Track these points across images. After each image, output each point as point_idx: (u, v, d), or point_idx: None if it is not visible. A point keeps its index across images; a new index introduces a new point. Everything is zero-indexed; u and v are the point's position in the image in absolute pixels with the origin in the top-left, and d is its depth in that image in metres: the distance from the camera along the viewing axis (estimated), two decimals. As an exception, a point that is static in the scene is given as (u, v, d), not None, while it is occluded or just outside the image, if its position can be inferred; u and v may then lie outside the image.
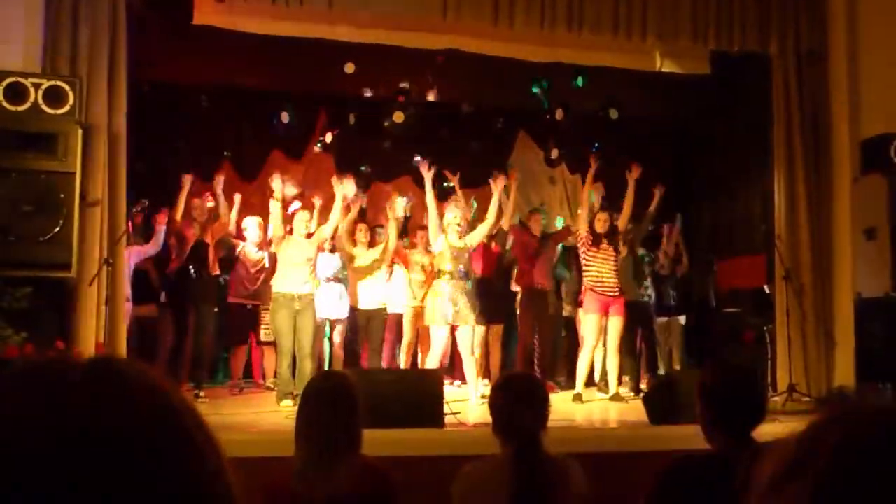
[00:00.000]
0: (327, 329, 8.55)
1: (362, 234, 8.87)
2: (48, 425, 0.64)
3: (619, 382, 8.11)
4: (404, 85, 9.46)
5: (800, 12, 8.08)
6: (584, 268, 7.95)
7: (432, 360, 7.44)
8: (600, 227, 7.91)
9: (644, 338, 9.00)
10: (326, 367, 8.61)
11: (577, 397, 7.73)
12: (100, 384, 0.68)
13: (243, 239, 8.78)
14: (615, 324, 7.80)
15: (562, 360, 9.56)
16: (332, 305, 8.51)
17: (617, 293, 7.81)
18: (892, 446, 0.70)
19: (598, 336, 7.85)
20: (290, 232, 7.65)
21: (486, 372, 8.17)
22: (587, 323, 7.87)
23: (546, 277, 8.64)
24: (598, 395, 8.25)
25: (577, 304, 8.57)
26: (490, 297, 8.33)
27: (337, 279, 8.66)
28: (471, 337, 7.44)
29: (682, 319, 9.74)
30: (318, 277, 7.92)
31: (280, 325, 7.33)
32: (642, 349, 9.01)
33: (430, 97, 9.55)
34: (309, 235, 7.59)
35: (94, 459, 0.63)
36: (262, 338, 8.88)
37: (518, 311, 8.85)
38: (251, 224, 8.79)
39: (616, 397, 7.80)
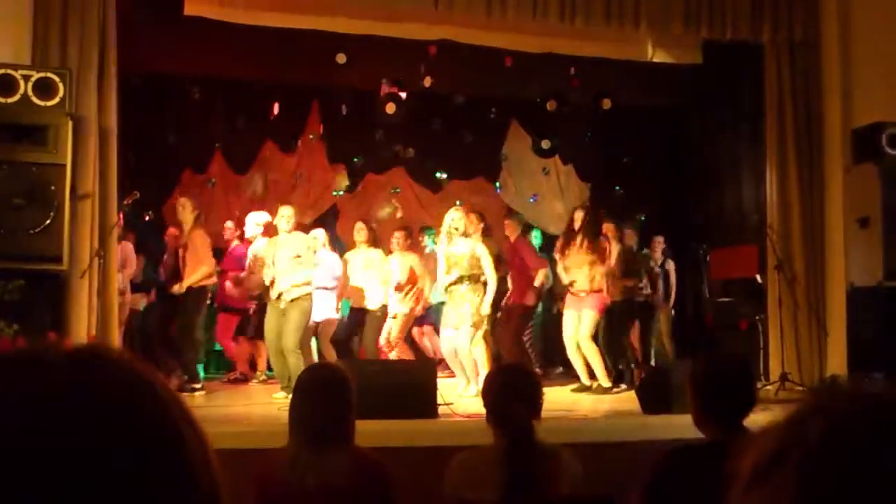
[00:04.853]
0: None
1: (364, 232, 8.74)
2: (28, 412, 0.64)
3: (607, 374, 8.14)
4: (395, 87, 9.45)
5: (792, 1, 8.08)
6: (561, 272, 7.92)
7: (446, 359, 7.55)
8: (577, 223, 7.86)
9: (641, 332, 9.02)
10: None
11: (581, 388, 7.73)
12: (83, 371, 0.68)
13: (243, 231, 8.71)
14: (586, 316, 7.68)
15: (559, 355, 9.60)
16: (323, 308, 8.45)
17: (584, 294, 7.69)
18: (877, 434, 0.70)
19: (573, 331, 7.75)
20: (276, 231, 7.58)
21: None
22: (564, 319, 7.87)
23: (529, 290, 8.61)
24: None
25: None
26: None
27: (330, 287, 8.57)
28: (470, 336, 7.40)
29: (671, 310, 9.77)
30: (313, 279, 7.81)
31: (266, 325, 7.40)
32: (632, 343, 8.98)
33: (426, 84, 9.49)
34: (295, 228, 7.52)
35: (75, 447, 0.63)
36: (255, 332, 8.83)
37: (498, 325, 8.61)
38: (259, 220, 8.66)
39: (581, 388, 7.76)
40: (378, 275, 8.49)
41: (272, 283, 7.37)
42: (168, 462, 0.67)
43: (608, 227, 8.30)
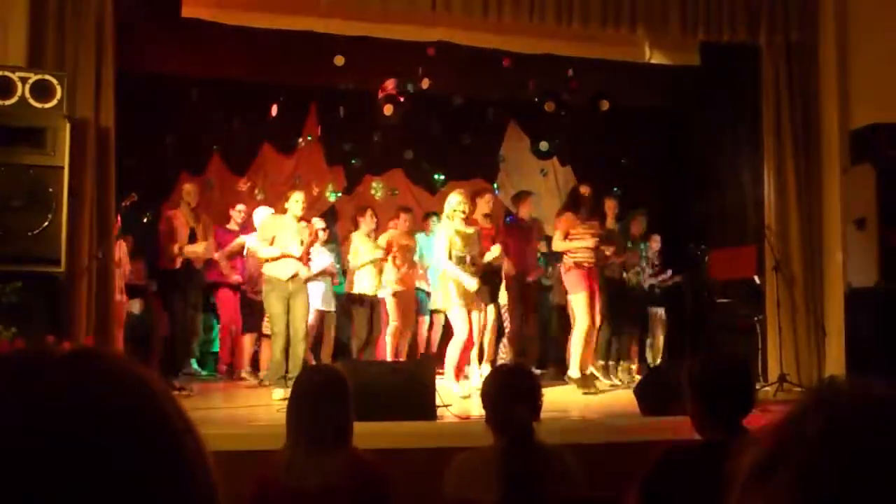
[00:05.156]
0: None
1: (372, 221, 8.74)
2: (27, 413, 0.64)
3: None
4: (391, 87, 9.46)
5: (789, 2, 8.08)
6: (571, 242, 7.72)
7: (456, 347, 7.35)
8: (586, 193, 7.85)
9: (640, 331, 9.05)
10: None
11: (582, 382, 7.67)
12: (82, 372, 0.68)
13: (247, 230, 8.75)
14: (597, 299, 7.72)
15: (553, 348, 9.64)
16: (329, 296, 8.49)
17: (593, 268, 7.70)
18: (876, 433, 0.70)
19: (591, 314, 7.64)
20: (284, 211, 7.55)
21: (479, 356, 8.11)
22: (577, 303, 7.63)
23: (534, 264, 8.68)
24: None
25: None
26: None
27: (329, 273, 8.64)
28: (480, 321, 7.51)
29: (662, 311, 9.80)
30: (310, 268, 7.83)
31: (274, 307, 7.21)
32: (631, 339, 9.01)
33: (423, 85, 9.49)
34: (301, 219, 7.50)
35: (74, 448, 0.63)
36: (264, 330, 8.83)
37: (507, 302, 8.69)
38: (264, 215, 8.64)
39: (586, 385, 7.69)
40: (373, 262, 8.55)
41: (272, 260, 7.33)
42: (166, 463, 0.67)
43: (610, 205, 8.47)
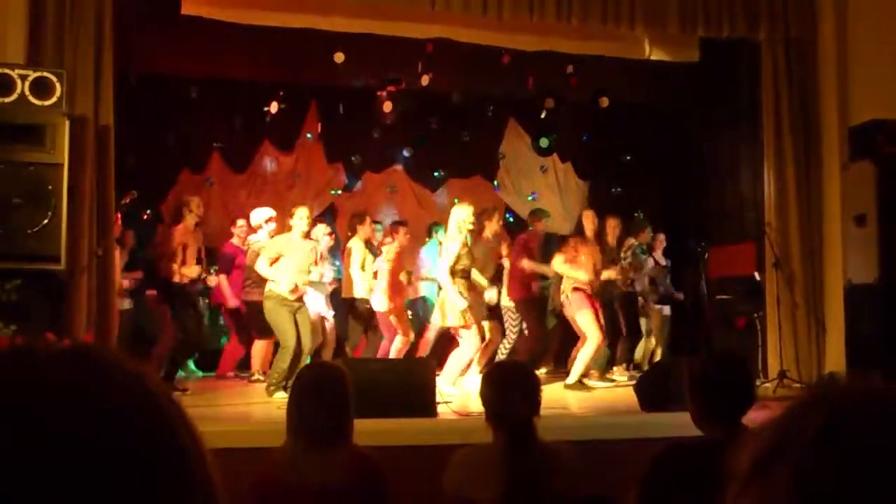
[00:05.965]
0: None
1: (369, 230, 8.81)
2: (25, 413, 0.64)
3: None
4: (393, 77, 9.46)
5: (788, -1, 8.09)
6: (573, 269, 7.80)
7: (460, 360, 7.35)
8: (589, 224, 7.91)
9: (628, 326, 9.04)
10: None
11: (577, 388, 7.71)
12: (81, 372, 0.68)
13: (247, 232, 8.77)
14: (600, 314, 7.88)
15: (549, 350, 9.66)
16: (322, 303, 8.54)
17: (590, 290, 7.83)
18: (876, 429, 0.70)
19: (600, 328, 7.73)
20: (289, 228, 7.52)
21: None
22: (586, 319, 7.68)
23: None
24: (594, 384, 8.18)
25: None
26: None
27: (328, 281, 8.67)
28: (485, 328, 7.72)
29: (666, 309, 9.80)
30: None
31: (284, 323, 7.15)
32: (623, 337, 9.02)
33: (423, 82, 9.49)
34: (306, 235, 7.50)
35: (72, 448, 0.63)
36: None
37: (519, 317, 8.67)
38: (263, 215, 8.63)
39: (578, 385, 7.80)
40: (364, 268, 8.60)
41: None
42: (164, 461, 0.67)
43: (612, 223, 8.59)
